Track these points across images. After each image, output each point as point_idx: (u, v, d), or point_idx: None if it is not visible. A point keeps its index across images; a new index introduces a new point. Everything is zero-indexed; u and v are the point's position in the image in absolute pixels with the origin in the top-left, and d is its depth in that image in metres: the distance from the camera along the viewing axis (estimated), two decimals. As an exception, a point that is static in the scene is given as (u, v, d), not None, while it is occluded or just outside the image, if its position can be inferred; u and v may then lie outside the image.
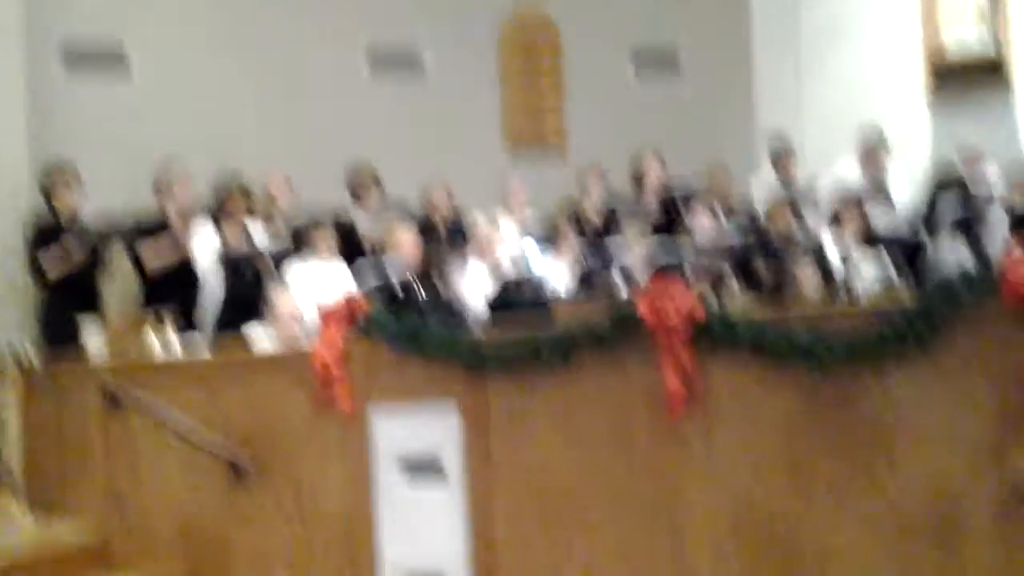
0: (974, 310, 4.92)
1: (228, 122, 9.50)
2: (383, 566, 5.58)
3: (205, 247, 7.86)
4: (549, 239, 8.44)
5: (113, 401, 5.89)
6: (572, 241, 8.29)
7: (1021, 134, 9.15)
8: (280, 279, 7.87)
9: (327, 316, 5.82)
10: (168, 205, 8.36)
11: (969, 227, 8.08)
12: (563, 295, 7.33)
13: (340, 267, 7.81)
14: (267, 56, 9.82)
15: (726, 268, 8.04)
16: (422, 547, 5.54)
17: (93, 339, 6.26)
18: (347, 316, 5.79)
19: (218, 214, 8.05)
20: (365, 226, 8.85)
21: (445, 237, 8.34)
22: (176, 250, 7.96)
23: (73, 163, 8.18)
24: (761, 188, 9.28)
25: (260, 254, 7.78)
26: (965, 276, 4.99)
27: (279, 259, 7.99)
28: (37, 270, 7.86)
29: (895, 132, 9.53)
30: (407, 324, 5.63)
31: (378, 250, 8.38)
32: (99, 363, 6.05)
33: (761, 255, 8.12)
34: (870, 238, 8.05)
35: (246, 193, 8.22)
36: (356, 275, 7.47)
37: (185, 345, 6.39)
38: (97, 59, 9.35)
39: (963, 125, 9.60)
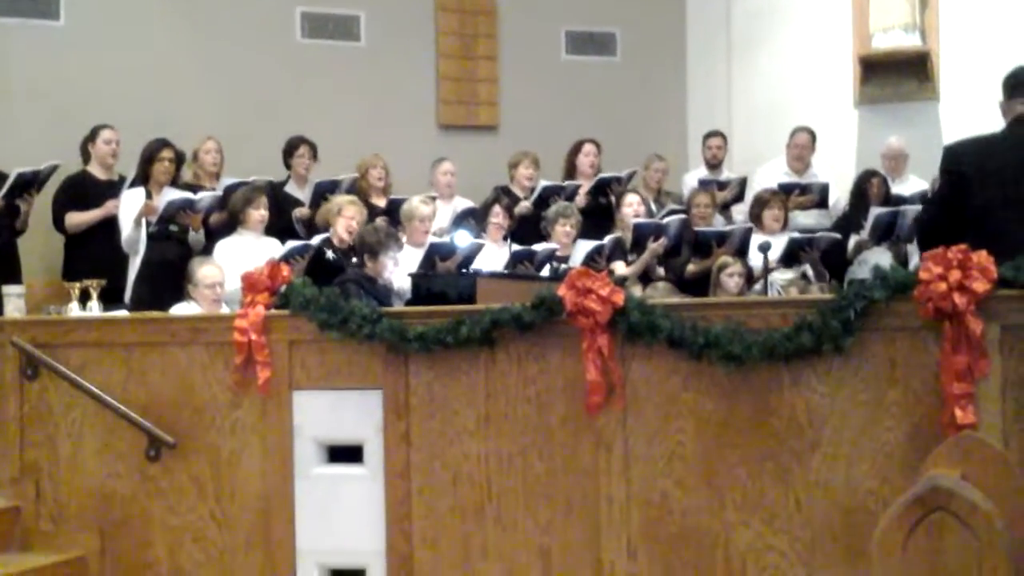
0: (887, 311, 4.96)
1: (159, 82, 9.42)
2: (298, 546, 5.56)
3: (131, 212, 7.78)
4: (478, 219, 8.45)
5: (30, 367, 5.84)
6: (500, 222, 8.31)
7: (946, 138, 9.27)
8: (204, 242, 7.86)
9: (249, 284, 5.76)
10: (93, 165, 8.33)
11: (891, 228, 8.20)
12: (489, 274, 7.34)
13: (271, 241, 7.78)
14: (200, 15, 9.74)
15: (653, 258, 8.14)
16: (338, 531, 5.53)
17: (12, 308, 6.18)
18: (269, 284, 5.74)
19: (146, 178, 7.98)
20: (298, 197, 8.84)
21: (380, 216, 8.33)
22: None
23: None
24: (693, 185, 9.38)
25: (190, 208, 7.71)
26: (879, 274, 5.02)
27: (208, 213, 7.97)
28: None
29: (822, 130, 9.68)
30: (329, 297, 5.59)
31: (313, 223, 8.37)
32: (16, 327, 5.95)
33: (688, 247, 8.21)
34: (793, 236, 8.15)
35: (176, 158, 8.14)
36: (286, 248, 7.45)
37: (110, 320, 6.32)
38: (25, 7, 9.23)
39: (889, 126, 9.76)
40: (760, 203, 8.49)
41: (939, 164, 5.68)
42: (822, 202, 9.00)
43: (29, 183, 7.75)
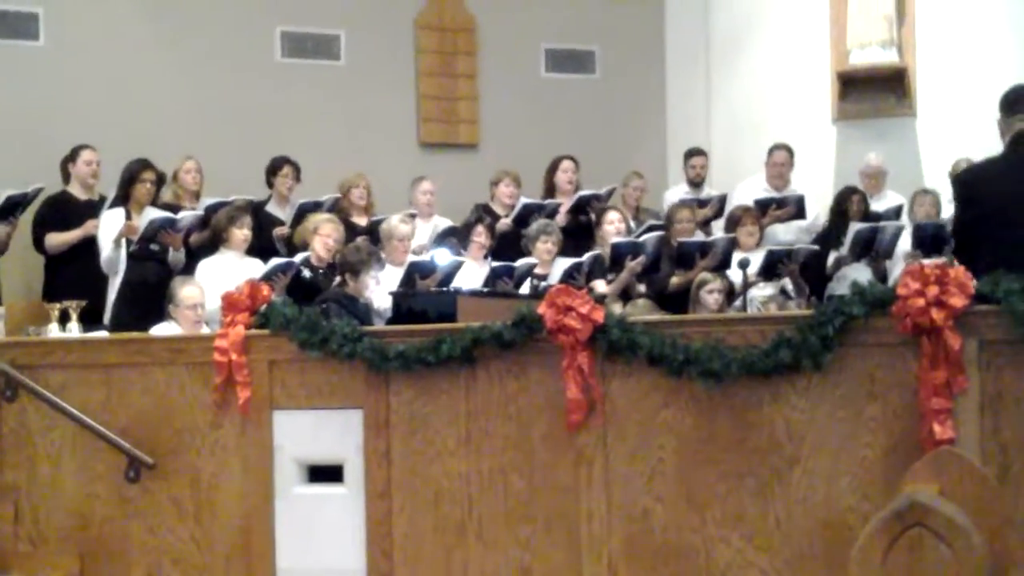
0: (866, 327, 4.98)
1: (138, 102, 9.42)
2: (279, 565, 5.54)
3: (111, 233, 7.77)
4: (459, 237, 8.45)
5: (10, 388, 5.81)
6: (482, 241, 8.32)
7: (923, 153, 9.34)
8: (184, 262, 7.85)
9: (229, 304, 5.75)
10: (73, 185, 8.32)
11: (870, 244, 8.23)
12: (469, 292, 7.34)
13: (253, 261, 7.76)
14: (180, 35, 9.74)
15: (631, 276, 8.15)
16: (319, 551, 5.51)
17: (-8, 329, 6.17)
18: (249, 304, 5.73)
19: (126, 198, 7.98)
20: (279, 216, 8.83)
21: (361, 236, 8.33)
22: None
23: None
24: (674, 202, 9.39)
25: (171, 227, 7.70)
26: (857, 290, 5.03)
27: (189, 234, 7.96)
28: None
29: (800, 146, 9.71)
30: (310, 316, 5.58)
31: (293, 242, 8.37)
32: (-4, 347, 5.94)
33: (668, 262, 8.23)
34: (771, 248, 8.17)
35: (157, 178, 8.13)
36: (269, 265, 7.44)
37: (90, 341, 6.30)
38: (4, 27, 9.22)
39: (867, 142, 9.80)
40: (733, 221, 8.53)
41: (952, 194, 5.71)
42: (799, 213, 9.02)
43: (16, 205, 7.74)
